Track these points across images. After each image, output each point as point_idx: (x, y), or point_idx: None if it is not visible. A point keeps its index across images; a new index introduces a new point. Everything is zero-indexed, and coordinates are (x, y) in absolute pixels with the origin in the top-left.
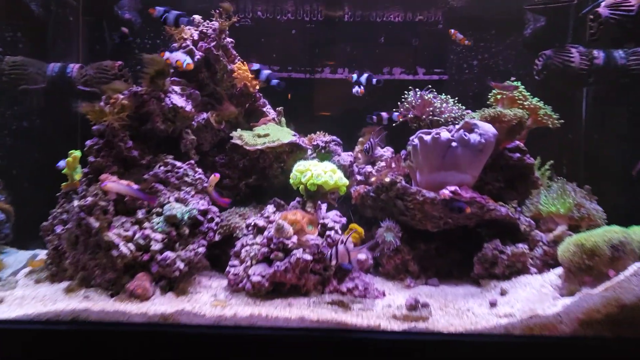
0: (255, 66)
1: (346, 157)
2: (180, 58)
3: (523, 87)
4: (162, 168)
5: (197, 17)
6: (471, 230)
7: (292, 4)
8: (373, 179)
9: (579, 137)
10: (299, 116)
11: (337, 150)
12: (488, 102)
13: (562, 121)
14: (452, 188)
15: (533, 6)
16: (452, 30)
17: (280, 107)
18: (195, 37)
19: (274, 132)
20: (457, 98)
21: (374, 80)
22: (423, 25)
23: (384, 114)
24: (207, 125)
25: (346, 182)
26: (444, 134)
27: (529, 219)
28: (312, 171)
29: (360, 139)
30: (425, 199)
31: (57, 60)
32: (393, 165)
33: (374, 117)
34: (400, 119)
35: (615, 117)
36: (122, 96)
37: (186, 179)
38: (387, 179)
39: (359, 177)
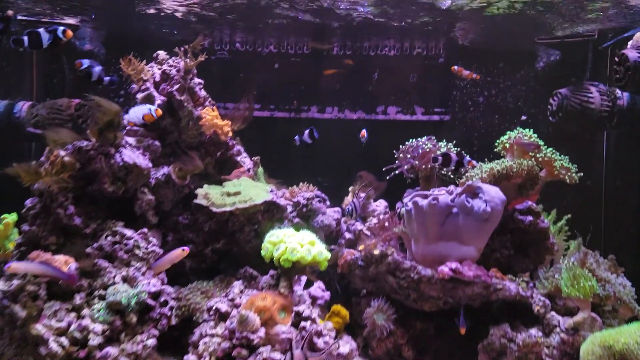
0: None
1: (332, 214)
2: (140, 115)
3: (535, 135)
4: (109, 239)
5: (161, 54)
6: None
7: (275, 35)
8: (361, 247)
9: (598, 184)
10: (281, 160)
11: (321, 208)
12: (496, 150)
13: (581, 174)
14: (453, 265)
15: (547, 40)
16: (456, 67)
17: (256, 157)
18: (157, 78)
19: (246, 188)
20: (454, 142)
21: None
22: (422, 59)
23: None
24: (169, 181)
25: (327, 255)
26: (443, 198)
27: (544, 298)
28: (286, 244)
29: (352, 188)
30: (421, 277)
31: (4, 98)
32: (387, 224)
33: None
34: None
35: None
36: (63, 152)
37: (137, 252)
38: (377, 251)
39: (347, 236)
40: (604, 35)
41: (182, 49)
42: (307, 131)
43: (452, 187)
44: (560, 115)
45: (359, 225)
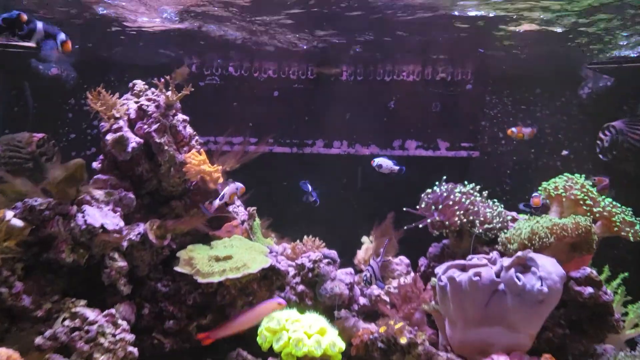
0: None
1: (344, 277)
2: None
3: (589, 183)
4: (66, 323)
5: (138, 84)
6: None
7: (274, 58)
8: (382, 329)
9: None
10: (282, 204)
11: (330, 272)
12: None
13: None
14: (500, 359)
15: (599, 65)
16: (514, 130)
17: (252, 208)
18: (133, 115)
19: (239, 251)
20: (488, 192)
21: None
22: (447, 85)
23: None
24: (145, 242)
25: (342, 347)
26: (487, 272)
27: None
28: (289, 333)
29: (365, 239)
30: None
31: None
32: (410, 291)
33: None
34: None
35: None
36: (10, 214)
37: (102, 340)
38: (404, 339)
39: (362, 301)
40: None
41: (162, 80)
42: (307, 188)
43: (494, 255)
44: (615, 153)
45: (375, 290)
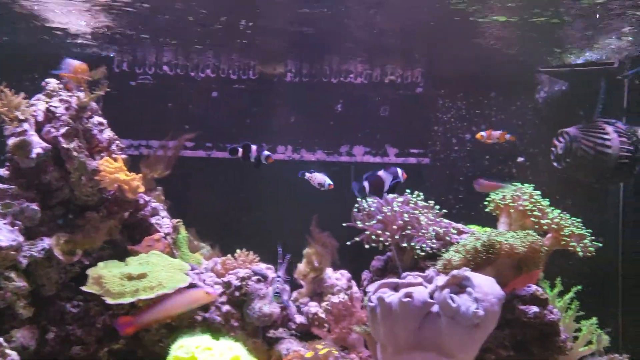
0: None
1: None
2: None
3: (538, 193)
4: None
5: (51, 83)
6: None
7: (212, 56)
8: (308, 354)
9: (614, 245)
10: (221, 213)
11: (260, 290)
12: (487, 209)
13: (600, 244)
14: None
15: (551, 69)
16: (483, 134)
17: (177, 220)
18: (40, 117)
19: (155, 268)
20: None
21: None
22: (396, 87)
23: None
24: (51, 258)
25: None
26: (419, 293)
27: None
28: None
29: (307, 250)
30: None
31: None
32: (344, 310)
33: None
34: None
35: None
36: None
37: None
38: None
39: (299, 320)
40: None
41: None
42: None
43: (431, 272)
44: (568, 161)
45: (312, 307)
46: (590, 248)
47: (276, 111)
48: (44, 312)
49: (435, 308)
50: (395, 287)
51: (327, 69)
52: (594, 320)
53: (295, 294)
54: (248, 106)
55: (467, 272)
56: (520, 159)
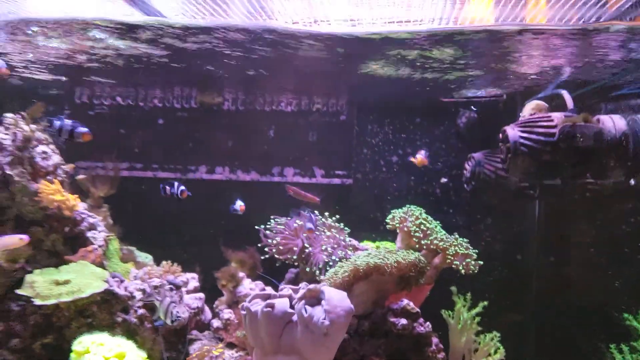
0: None
1: (191, 302)
2: None
3: (423, 213)
4: None
5: (8, 117)
6: None
7: (158, 87)
8: (195, 354)
9: (529, 259)
10: (164, 228)
11: (169, 297)
12: (390, 227)
13: (481, 263)
14: None
15: (451, 99)
16: (417, 157)
17: (108, 234)
18: None
19: (78, 276)
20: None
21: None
22: (321, 115)
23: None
24: None
25: None
26: (280, 304)
27: None
28: (90, 356)
29: (227, 266)
30: None
31: None
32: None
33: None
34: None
35: (578, 234)
36: None
37: None
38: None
39: (215, 324)
40: (521, 93)
41: (18, 115)
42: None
43: (303, 285)
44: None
45: (226, 312)
46: (471, 267)
47: (215, 136)
48: None
49: (295, 318)
50: (267, 298)
51: (261, 99)
52: (495, 333)
53: (217, 302)
54: (190, 131)
55: (323, 286)
56: (443, 180)
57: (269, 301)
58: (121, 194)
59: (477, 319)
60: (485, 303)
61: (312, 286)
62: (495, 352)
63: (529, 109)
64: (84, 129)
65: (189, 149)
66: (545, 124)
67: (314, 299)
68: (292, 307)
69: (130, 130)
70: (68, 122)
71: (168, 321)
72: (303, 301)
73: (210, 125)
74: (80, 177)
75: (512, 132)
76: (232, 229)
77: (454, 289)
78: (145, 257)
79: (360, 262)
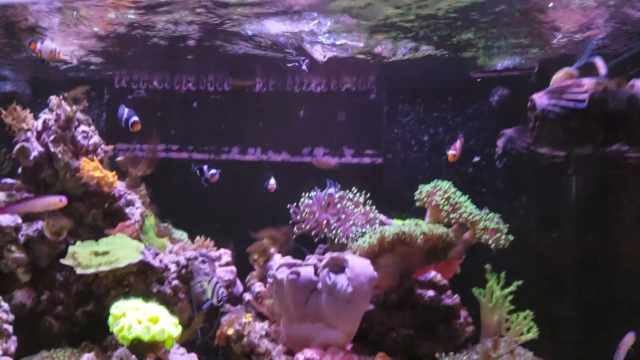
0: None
1: (224, 275)
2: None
3: (454, 190)
4: None
5: (53, 100)
6: None
7: (193, 72)
8: (227, 321)
9: (566, 237)
10: (199, 206)
11: (204, 269)
12: (418, 204)
13: (512, 238)
14: (308, 354)
15: (484, 74)
16: (453, 152)
17: (145, 210)
18: (39, 127)
19: (116, 247)
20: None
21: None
22: (351, 95)
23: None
24: (43, 237)
25: (172, 334)
26: (306, 272)
27: None
28: (125, 319)
29: (258, 242)
30: None
31: None
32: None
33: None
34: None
35: (618, 212)
36: None
37: None
38: (231, 330)
39: (247, 297)
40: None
41: (60, 96)
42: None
43: (328, 255)
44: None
45: (257, 286)
46: (501, 242)
47: (247, 118)
48: (40, 279)
49: (320, 286)
50: (291, 267)
51: (291, 80)
52: (528, 312)
53: (248, 276)
54: (223, 114)
55: (346, 254)
56: (476, 159)
57: (294, 269)
58: (158, 174)
59: (510, 297)
60: (520, 282)
61: (335, 254)
62: (529, 331)
63: (558, 77)
64: (135, 118)
65: (222, 131)
66: (575, 89)
67: (338, 267)
68: (317, 275)
69: (166, 113)
70: (125, 110)
71: (214, 300)
72: (327, 269)
73: (242, 108)
74: (120, 158)
75: (540, 99)
76: (264, 208)
77: (488, 266)
78: (180, 234)
79: (388, 233)
